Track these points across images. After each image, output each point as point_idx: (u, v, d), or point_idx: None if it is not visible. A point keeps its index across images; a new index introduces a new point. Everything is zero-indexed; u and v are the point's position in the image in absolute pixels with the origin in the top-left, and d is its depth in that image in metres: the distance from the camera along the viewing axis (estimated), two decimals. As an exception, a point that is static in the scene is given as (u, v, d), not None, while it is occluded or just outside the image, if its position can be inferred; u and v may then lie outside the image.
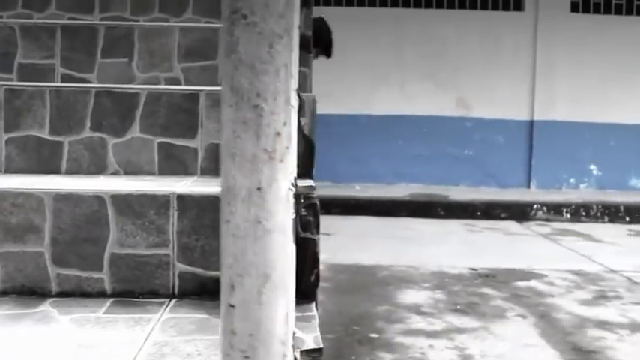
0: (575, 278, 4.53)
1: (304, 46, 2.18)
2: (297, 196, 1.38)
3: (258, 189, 0.55)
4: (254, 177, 0.54)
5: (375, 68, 8.56)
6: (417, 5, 8.68)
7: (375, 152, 8.48)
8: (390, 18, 8.60)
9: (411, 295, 3.93)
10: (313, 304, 1.35)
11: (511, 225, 6.84)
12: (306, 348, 1.10)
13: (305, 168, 1.75)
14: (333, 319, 3.44)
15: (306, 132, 1.76)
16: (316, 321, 1.24)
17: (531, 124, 8.66)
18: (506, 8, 8.75)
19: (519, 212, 7.21)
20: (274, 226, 0.55)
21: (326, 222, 5.48)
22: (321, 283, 4.08)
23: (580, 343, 3.20)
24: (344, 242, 5.57)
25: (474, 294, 4.02)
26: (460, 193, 7.64)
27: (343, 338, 3.14)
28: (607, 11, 8.85)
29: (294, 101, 1.73)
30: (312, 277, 1.39)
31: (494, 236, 6.21)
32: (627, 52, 8.75)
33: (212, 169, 1.56)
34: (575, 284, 4.38)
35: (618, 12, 8.86)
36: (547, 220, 7.18)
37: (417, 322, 3.41)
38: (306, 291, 1.38)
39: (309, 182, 1.65)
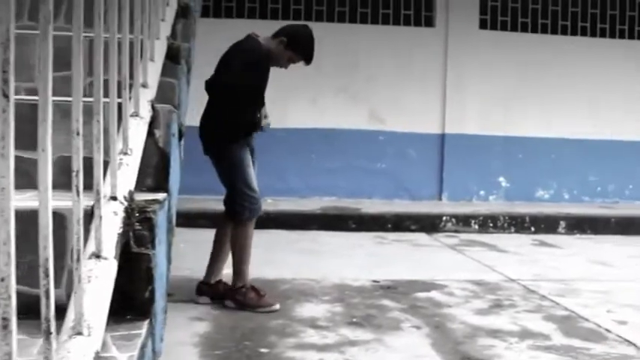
0: (474, 288, 4.61)
1: (172, 56, 2.14)
2: (129, 210, 1.34)
3: None
4: None
5: (288, 82, 8.53)
6: (330, 19, 8.75)
7: (288, 165, 8.46)
8: (302, 32, 8.62)
9: (308, 309, 3.91)
10: (146, 322, 1.30)
11: (420, 237, 6.93)
12: (116, 368, 1.06)
13: (159, 180, 1.70)
14: (226, 334, 3.39)
15: (160, 144, 1.71)
16: (140, 339, 1.20)
17: (442, 137, 8.83)
18: (417, 24, 8.92)
19: (429, 224, 7.32)
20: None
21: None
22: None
23: (470, 352, 3.24)
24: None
25: (373, 306, 4.03)
26: (372, 206, 7.71)
27: (232, 354, 3.09)
28: (514, 28, 9.14)
29: (146, 113, 1.70)
30: (147, 294, 1.34)
31: (402, 248, 6.27)
32: (533, 67, 9.04)
33: (62, 182, 1.48)
34: (474, 294, 4.45)
35: (524, 29, 9.16)
36: (456, 231, 7.31)
37: (311, 335, 3.39)
38: (139, 308, 1.33)
39: (160, 195, 1.60)
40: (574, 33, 9.29)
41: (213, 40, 8.35)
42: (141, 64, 1.71)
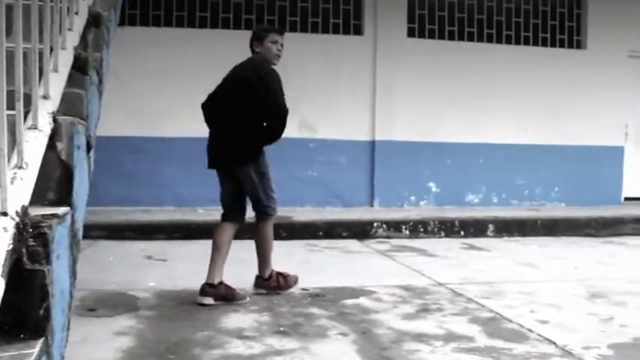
0: (402, 293, 4.65)
1: (80, 67, 2.09)
2: (21, 226, 1.30)
3: None
4: None
5: (217, 90, 8.51)
6: (259, 28, 8.74)
7: (219, 175, 8.39)
8: (231, 40, 8.58)
9: (235, 319, 3.87)
10: (40, 341, 1.26)
11: (352, 243, 6.97)
12: (-1, 391, 1.02)
13: (61, 194, 1.66)
14: (150, 348, 3.32)
15: (63, 157, 1.66)
16: (31, 359, 1.16)
17: (373, 144, 8.91)
18: (346, 32, 9.00)
19: (360, 230, 7.36)
20: None
21: (164, 247, 5.36)
22: (145, 312, 3.96)
23: (395, 357, 3.26)
24: (179, 267, 5.45)
25: (301, 314, 4.02)
26: (304, 214, 7.70)
27: (155, 369, 3.03)
28: (441, 36, 9.32)
29: (46, 125, 1.65)
30: (42, 311, 1.30)
31: (332, 255, 6.29)
32: (461, 74, 9.24)
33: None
34: (402, 299, 4.49)
35: (451, 37, 9.35)
36: (387, 237, 7.38)
37: (237, 346, 3.35)
38: (34, 326, 1.29)
39: (60, 209, 1.56)
40: (499, 41, 9.55)
41: (141, 49, 8.28)
42: (39, 75, 1.66)
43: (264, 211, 4.62)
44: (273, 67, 4.53)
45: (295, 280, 4.68)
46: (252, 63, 4.55)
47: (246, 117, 4.42)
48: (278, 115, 4.38)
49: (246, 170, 4.50)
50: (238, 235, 6.87)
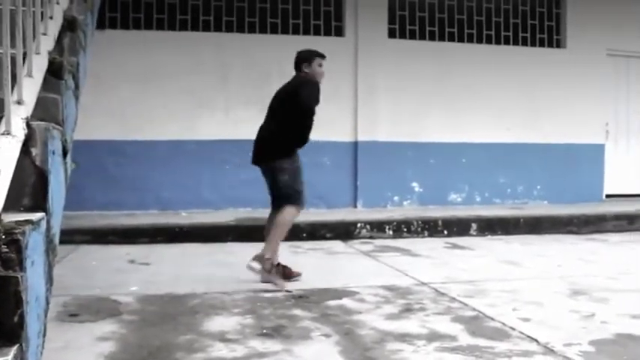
0: (386, 293, 4.66)
1: (55, 71, 2.08)
2: (-8, 232, 1.29)
3: None
4: None
5: (199, 93, 8.50)
6: (241, 30, 8.74)
7: (202, 178, 8.39)
8: (212, 42, 8.58)
9: (218, 322, 3.85)
10: (14, 348, 1.25)
11: (335, 244, 6.98)
12: (-29, 399, 1.01)
13: (36, 200, 1.65)
14: (133, 353, 3.30)
15: (37, 162, 1.65)
16: (2, 366, 1.16)
17: (355, 145, 8.93)
18: (327, 34, 9.01)
19: (344, 231, 7.37)
20: None
21: (147, 251, 5.30)
22: (127, 317, 3.94)
23: (378, 357, 3.26)
24: (161, 271, 5.42)
25: (284, 316, 4.02)
26: (287, 216, 7.69)
27: (137, 373, 3.01)
28: (422, 37, 9.35)
29: (20, 131, 1.64)
30: (16, 318, 1.29)
31: (316, 256, 6.30)
32: (442, 74, 9.28)
33: None
34: (385, 299, 4.49)
35: (432, 38, 9.39)
36: (371, 237, 7.40)
37: (219, 349, 3.34)
38: (9, 333, 1.28)
39: (35, 215, 1.55)
40: (479, 41, 9.59)
41: (122, 52, 8.25)
42: (13, 80, 1.64)
43: (293, 197, 4.97)
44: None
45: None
46: (298, 78, 5.20)
47: (279, 123, 5.03)
48: (304, 112, 4.97)
49: (277, 166, 5.03)
50: (219, 238, 6.92)
